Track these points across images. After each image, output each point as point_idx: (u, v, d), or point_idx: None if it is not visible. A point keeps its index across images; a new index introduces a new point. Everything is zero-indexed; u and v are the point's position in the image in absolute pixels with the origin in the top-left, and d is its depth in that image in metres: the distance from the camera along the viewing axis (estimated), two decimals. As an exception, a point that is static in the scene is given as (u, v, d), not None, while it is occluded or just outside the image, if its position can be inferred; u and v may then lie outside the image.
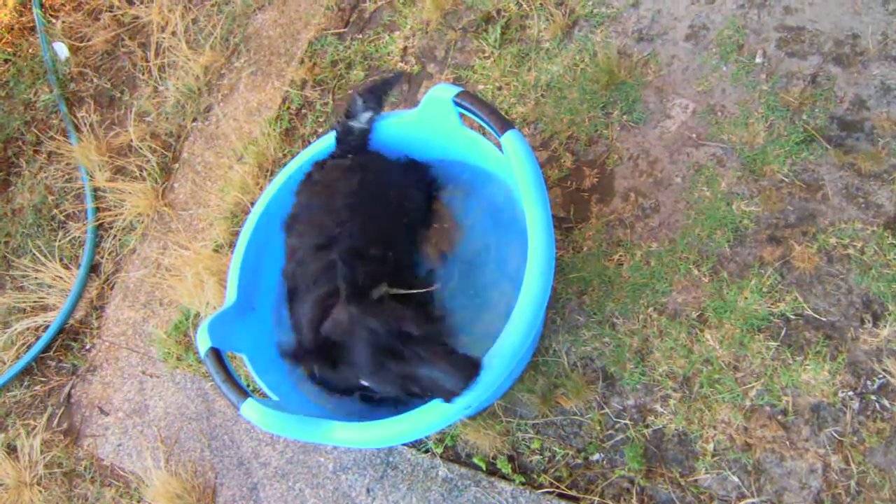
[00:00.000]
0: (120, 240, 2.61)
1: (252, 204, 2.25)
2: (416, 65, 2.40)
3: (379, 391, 1.47)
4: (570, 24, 2.22)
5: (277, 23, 2.74)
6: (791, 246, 1.74)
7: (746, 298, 1.71)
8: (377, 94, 1.80)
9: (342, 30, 2.59)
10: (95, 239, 2.64)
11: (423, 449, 1.87)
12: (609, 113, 2.06)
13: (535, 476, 1.74)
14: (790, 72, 1.92)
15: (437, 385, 1.33)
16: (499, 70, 2.23)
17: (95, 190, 2.71)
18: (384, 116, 1.85)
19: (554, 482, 1.71)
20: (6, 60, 3.23)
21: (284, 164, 1.96)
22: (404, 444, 1.88)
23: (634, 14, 2.17)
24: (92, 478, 2.25)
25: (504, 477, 1.76)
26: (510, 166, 1.54)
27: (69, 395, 2.43)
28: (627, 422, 1.71)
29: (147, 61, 2.90)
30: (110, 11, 3.07)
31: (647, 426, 1.69)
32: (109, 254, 2.61)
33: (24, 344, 2.55)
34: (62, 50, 3.06)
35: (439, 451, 1.84)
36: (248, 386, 1.96)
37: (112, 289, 2.55)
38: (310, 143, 2.28)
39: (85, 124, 2.82)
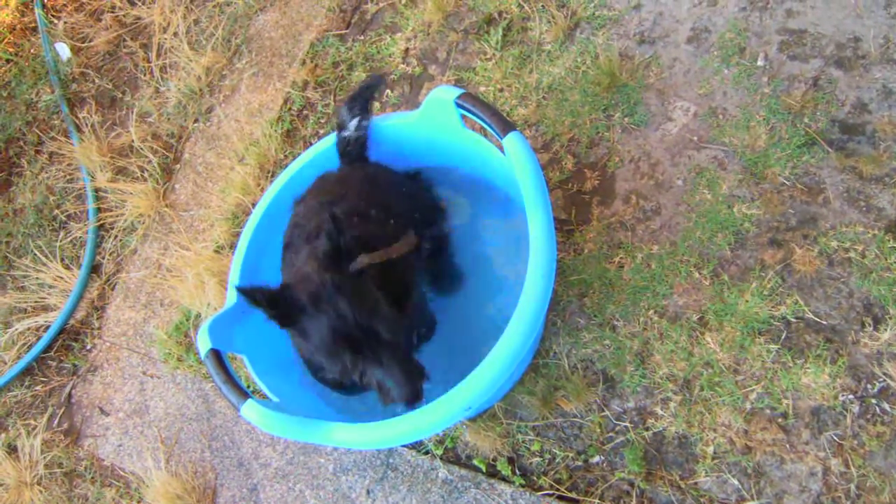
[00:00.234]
0: (121, 240, 2.61)
1: (253, 205, 2.25)
2: (417, 66, 2.40)
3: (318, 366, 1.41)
4: (571, 26, 2.22)
5: (279, 24, 2.74)
6: (792, 249, 1.74)
7: (747, 301, 1.71)
8: (361, 100, 1.80)
9: (344, 31, 2.59)
10: (96, 239, 2.64)
11: (424, 450, 1.87)
12: (610, 115, 2.06)
13: (534, 478, 1.74)
14: (792, 75, 1.92)
15: (383, 389, 1.31)
16: (500, 72, 2.23)
17: (97, 190, 2.71)
18: (380, 119, 1.85)
19: (554, 484, 1.71)
20: (8, 61, 3.23)
21: (286, 166, 1.95)
22: (404, 446, 1.88)
23: (636, 16, 2.17)
24: (92, 478, 2.25)
25: (504, 479, 1.76)
26: (511, 168, 1.54)
27: (70, 396, 2.43)
28: (627, 424, 1.71)
29: (149, 62, 2.90)
30: (112, 12, 3.08)
31: (647, 429, 1.69)
32: (110, 254, 2.61)
33: (24, 344, 2.55)
34: (64, 50, 3.06)
35: (439, 452, 1.84)
36: (249, 387, 1.96)
37: (113, 289, 2.56)
38: (311, 144, 2.29)
39: (86, 125, 2.82)
